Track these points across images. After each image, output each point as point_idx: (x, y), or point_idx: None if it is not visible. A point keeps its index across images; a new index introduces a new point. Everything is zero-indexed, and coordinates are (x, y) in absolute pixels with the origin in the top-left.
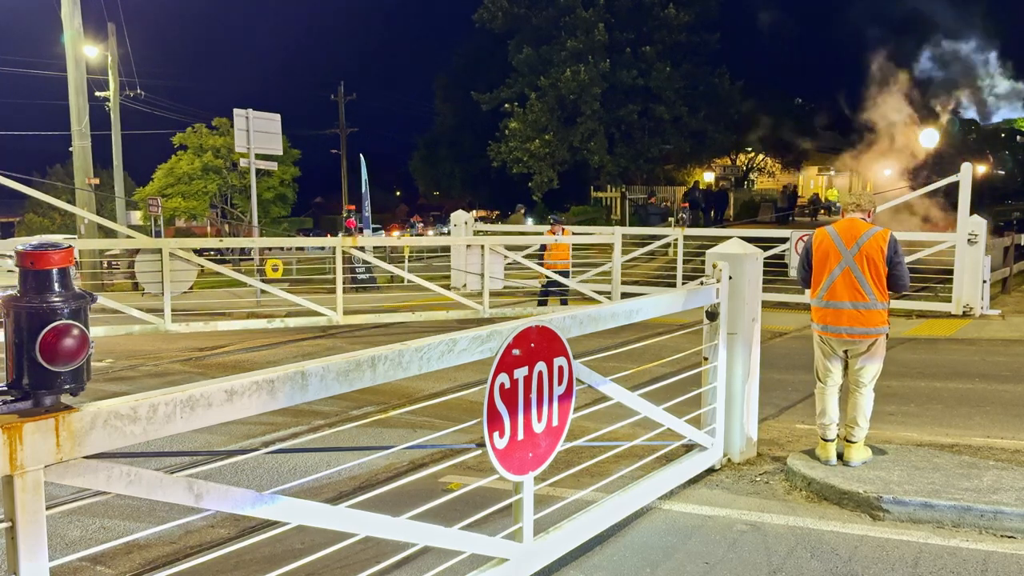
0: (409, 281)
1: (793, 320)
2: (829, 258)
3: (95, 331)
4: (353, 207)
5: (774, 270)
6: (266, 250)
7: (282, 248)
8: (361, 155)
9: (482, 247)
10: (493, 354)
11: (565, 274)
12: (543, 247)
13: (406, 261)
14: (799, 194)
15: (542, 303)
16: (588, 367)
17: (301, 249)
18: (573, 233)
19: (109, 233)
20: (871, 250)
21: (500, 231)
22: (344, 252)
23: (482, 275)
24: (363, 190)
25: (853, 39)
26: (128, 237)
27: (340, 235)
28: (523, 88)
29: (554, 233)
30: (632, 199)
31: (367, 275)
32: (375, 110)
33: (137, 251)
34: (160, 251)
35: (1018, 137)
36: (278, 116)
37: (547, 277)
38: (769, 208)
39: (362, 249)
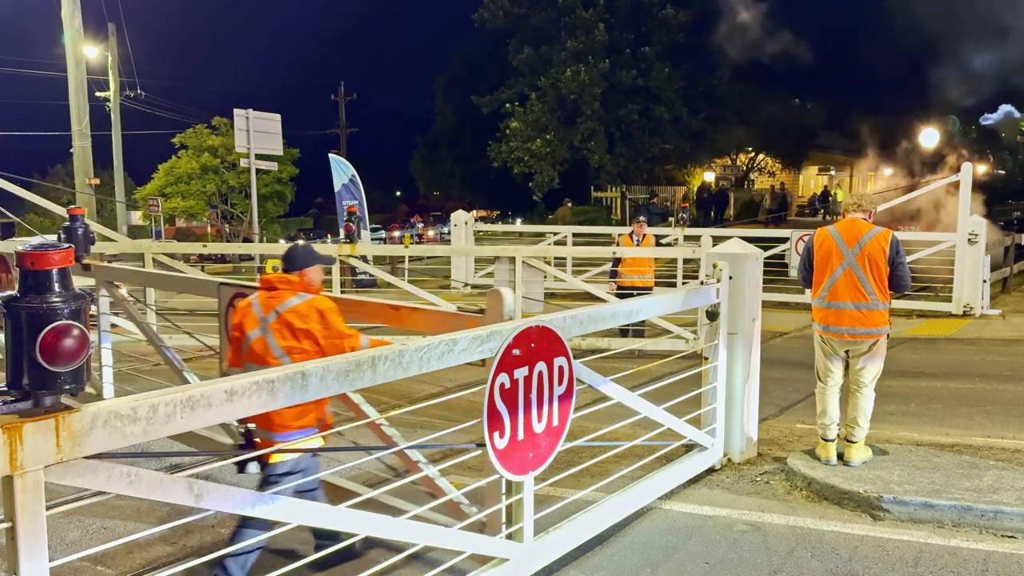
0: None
1: (793, 320)
2: (831, 258)
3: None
4: (355, 209)
5: (774, 270)
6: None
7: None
8: (329, 154)
9: (511, 259)
10: (493, 354)
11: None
12: (615, 262)
13: (406, 263)
14: (797, 194)
15: (623, 332)
16: (588, 367)
17: None
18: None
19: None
20: (873, 250)
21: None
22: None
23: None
24: (337, 190)
25: (852, 38)
26: (114, 241)
27: (339, 240)
28: (523, 88)
29: (633, 239)
30: (632, 199)
31: (367, 276)
32: (375, 110)
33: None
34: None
35: (1018, 137)
36: (278, 116)
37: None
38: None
39: (363, 258)
